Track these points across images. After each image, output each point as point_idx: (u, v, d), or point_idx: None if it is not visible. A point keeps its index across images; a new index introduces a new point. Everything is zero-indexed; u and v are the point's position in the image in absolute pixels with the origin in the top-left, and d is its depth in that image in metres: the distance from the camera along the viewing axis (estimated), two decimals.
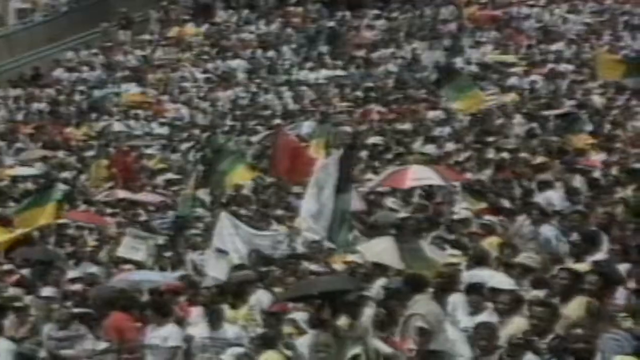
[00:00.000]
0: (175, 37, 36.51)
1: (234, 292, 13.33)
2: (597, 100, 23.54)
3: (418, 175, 18.59)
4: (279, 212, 19.11)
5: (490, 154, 20.49)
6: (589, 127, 20.76)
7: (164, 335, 12.28)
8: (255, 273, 14.18)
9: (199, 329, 12.42)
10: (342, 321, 11.18)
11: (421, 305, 11.30)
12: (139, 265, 16.33)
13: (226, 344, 12.01)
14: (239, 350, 11.57)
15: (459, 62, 30.47)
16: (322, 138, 22.42)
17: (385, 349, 10.92)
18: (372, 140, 23.96)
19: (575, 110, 22.41)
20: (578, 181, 16.92)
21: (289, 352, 11.38)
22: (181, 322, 12.75)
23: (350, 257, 14.16)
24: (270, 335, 11.54)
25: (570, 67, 27.74)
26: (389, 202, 17.60)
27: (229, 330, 12.31)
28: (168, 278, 14.82)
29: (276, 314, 12.05)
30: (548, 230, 14.33)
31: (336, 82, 31.46)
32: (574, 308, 10.07)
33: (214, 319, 12.32)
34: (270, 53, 34.68)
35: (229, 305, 13.04)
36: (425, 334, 10.76)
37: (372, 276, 12.97)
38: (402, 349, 11.05)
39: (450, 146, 22.50)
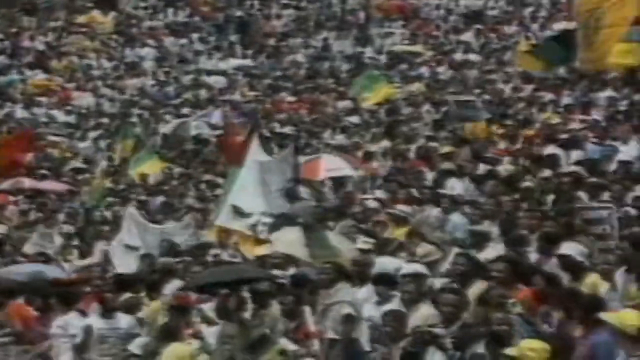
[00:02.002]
0: (83, 24, 36.03)
1: (149, 282, 13.23)
2: (504, 89, 23.77)
3: (330, 166, 18.83)
4: (189, 201, 19.01)
5: (400, 144, 20.58)
6: (487, 116, 20.94)
7: (65, 324, 12.20)
8: (169, 263, 14.12)
9: (93, 319, 12.32)
10: (250, 311, 11.14)
11: (345, 293, 11.35)
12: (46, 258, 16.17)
13: (123, 334, 11.94)
14: (145, 340, 11.47)
15: (367, 52, 30.62)
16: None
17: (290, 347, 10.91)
18: (282, 129, 23.96)
19: (474, 99, 22.60)
20: (482, 170, 17.05)
21: (196, 343, 11.30)
22: (84, 312, 12.61)
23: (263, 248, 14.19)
24: (174, 327, 11.43)
25: (478, 57, 27.99)
26: (302, 192, 17.58)
27: (122, 320, 12.23)
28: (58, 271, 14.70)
29: (181, 306, 11.97)
30: (457, 219, 14.42)
31: (246, 71, 31.38)
32: (473, 294, 10.13)
33: (106, 309, 12.24)
34: (180, 41, 34.46)
35: (146, 295, 12.93)
36: (352, 321, 10.80)
37: (284, 265, 12.95)
38: (311, 337, 11.07)
39: (359, 136, 22.58)
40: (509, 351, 8.69)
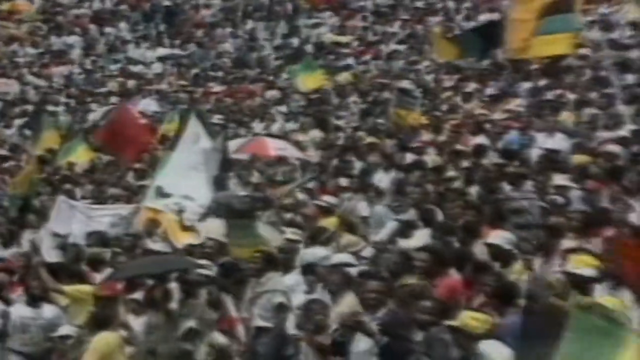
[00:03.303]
0: (7, 11, 35.58)
1: (76, 272, 13.17)
2: (429, 80, 23.97)
3: (278, 145, 18.90)
4: (115, 190, 18.92)
5: (328, 133, 20.71)
6: (420, 106, 21.12)
7: None
8: (97, 252, 14.07)
9: (18, 307, 12.27)
10: (176, 301, 11.17)
11: (276, 282, 11.42)
12: None
13: (46, 323, 11.90)
14: (71, 329, 11.45)
15: (295, 42, 30.68)
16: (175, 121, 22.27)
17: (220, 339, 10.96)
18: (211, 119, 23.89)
19: (412, 88, 22.77)
20: (409, 159, 17.22)
21: (124, 332, 11.31)
22: (8, 300, 12.54)
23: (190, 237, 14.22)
24: (102, 316, 11.42)
25: (403, 47, 28.15)
26: (231, 182, 17.63)
27: (47, 310, 12.19)
28: None
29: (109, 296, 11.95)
30: (381, 210, 14.56)
31: (174, 60, 31.25)
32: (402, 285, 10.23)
33: (32, 298, 12.19)
34: (107, 30, 34.20)
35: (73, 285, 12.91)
36: (284, 310, 10.87)
37: (214, 255, 13.00)
38: (235, 326, 11.13)
39: (288, 126, 22.66)
40: (452, 322, 8.86)
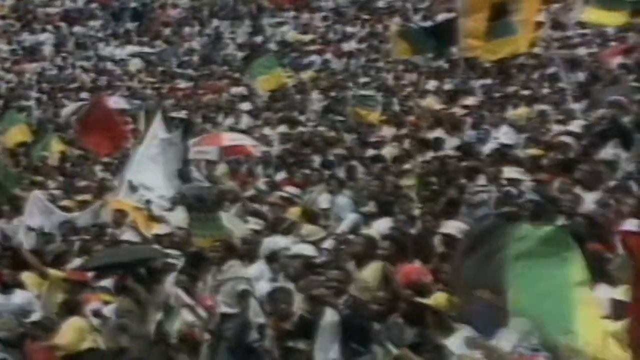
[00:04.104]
0: None
1: (47, 260, 13.12)
2: (387, 77, 24.03)
3: (233, 137, 18.94)
4: (85, 183, 18.82)
5: (291, 128, 20.72)
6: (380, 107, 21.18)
7: None
8: (67, 243, 14.01)
9: None
10: (146, 288, 11.16)
11: (238, 270, 11.44)
12: None
13: (17, 309, 11.84)
14: (41, 314, 11.41)
15: (259, 41, 30.65)
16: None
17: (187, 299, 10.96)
18: (178, 114, 23.84)
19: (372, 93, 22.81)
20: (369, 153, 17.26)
21: (95, 319, 11.28)
22: None
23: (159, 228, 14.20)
24: (71, 302, 11.38)
25: (363, 45, 28.19)
26: (196, 174, 17.62)
27: (19, 296, 12.12)
28: None
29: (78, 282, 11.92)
30: (342, 201, 14.57)
31: (142, 58, 31.13)
32: (370, 273, 10.26)
33: (3, 285, 12.17)
34: (77, 28, 34.03)
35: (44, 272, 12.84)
36: (247, 296, 10.88)
37: (181, 244, 12.98)
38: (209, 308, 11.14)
39: (252, 121, 22.64)
40: (423, 300, 8.90)
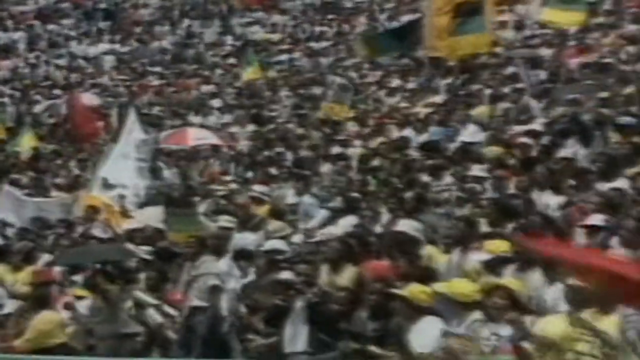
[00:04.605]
0: None
1: (21, 257, 13.03)
2: (354, 76, 24.00)
3: (198, 136, 18.88)
4: (59, 180, 18.69)
5: (260, 126, 20.68)
6: (349, 100, 21.15)
7: None
8: (37, 239, 13.90)
9: None
10: (116, 285, 11.10)
11: (210, 265, 11.42)
12: None
13: None
14: (15, 306, 11.31)
15: (229, 40, 30.58)
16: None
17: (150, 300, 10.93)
18: (150, 111, 23.76)
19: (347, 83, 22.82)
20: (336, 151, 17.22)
21: (68, 314, 11.20)
22: None
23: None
24: (39, 298, 11.28)
25: (330, 45, 28.15)
26: (167, 172, 17.58)
27: None
28: None
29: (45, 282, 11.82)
30: (309, 200, 14.54)
31: (114, 56, 31.00)
32: (346, 276, 10.24)
33: None
34: (50, 26, 33.83)
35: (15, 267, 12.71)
36: (218, 291, 10.86)
37: (152, 240, 12.91)
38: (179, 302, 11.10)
39: (223, 118, 22.58)
40: (401, 292, 8.89)
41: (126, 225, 14.37)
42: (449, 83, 20.67)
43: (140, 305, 10.92)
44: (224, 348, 10.24)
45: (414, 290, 8.87)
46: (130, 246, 12.57)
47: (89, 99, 25.71)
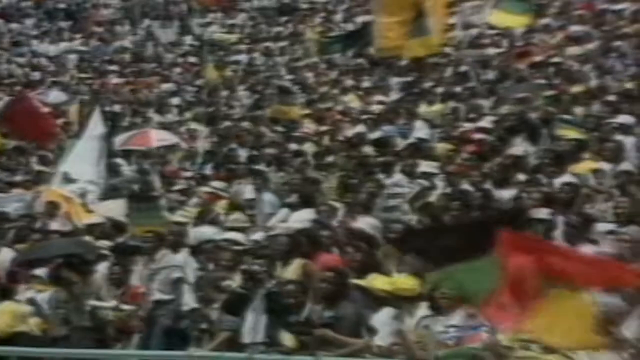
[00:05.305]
0: None
1: None
2: (309, 75, 23.94)
3: (161, 137, 18.83)
4: (19, 177, 18.43)
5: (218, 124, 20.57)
6: (301, 100, 21.10)
7: None
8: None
9: None
10: (78, 278, 10.97)
11: (172, 258, 11.34)
12: None
13: None
14: None
15: (188, 40, 30.44)
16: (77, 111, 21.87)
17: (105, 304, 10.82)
18: (110, 109, 23.52)
19: (289, 85, 22.77)
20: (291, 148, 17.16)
21: (29, 306, 11.04)
22: None
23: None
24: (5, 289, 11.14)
25: (286, 44, 28.07)
26: (125, 167, 17.40)
27: None
28: None
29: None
30: (267, 197, 14.45)
31: (76, 54, 30.75)
32: (293, 270, 10.19)
33: None
34: (12, 25, 33.53)
35: None
36: (181, 283, 10.77)
37: (114, 234, 12.76)
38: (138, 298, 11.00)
39: (182, 115, 22.45)
40: (383, 285, 8.84)
41: (87, 219, 14.19)
42: (402, 82, 20.70)
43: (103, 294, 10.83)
44: (185, 339, 10.16)
45: (374, 281, 8.84)
46: (90, 240, 12.43)
47: (49, 97, 25.45)
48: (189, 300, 10.79)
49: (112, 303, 10.83)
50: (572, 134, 14.04)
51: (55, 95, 25.83)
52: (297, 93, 21.35)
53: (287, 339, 8.82)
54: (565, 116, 15.07)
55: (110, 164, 16.43)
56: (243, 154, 17.45)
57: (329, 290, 9.08)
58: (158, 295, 11.05)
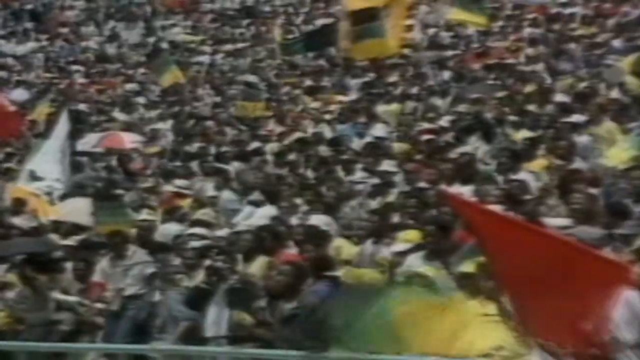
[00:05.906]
0: None
1: None
2: (271, 76, 23.90)
3: (132, 139, 18.79)
4: None
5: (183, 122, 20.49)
6: (263, 99, 21.06)
7: None
8: None
9: None
10: (44, 276, 10.86)
11: (142, 255, 11.27)
12: None
13: None
14: None
15: (152, 41, 30.31)
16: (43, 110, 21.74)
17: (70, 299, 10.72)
18: (75, 108, 23.35)
19: (256, 81, 22.72)
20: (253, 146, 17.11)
21: None
22: None
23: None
24: None
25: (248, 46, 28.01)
26: (90, 165, 17.27)
27: None
28: None
29: None
30: (227, 195, 14.39)
31: (41, 55, 30.52)
32: (257, 266, 10.15)
33: None
34: None
35: None
36: (155, 278, 10.73)
37: (78, 231, 12.65)
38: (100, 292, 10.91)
39: (146, 115, 22.33)
40: (350, 277, 8.84)
41: (52, 216, 14.05)
42: (360, 82, 20.73)
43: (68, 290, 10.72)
44: (151, 334, 10.11)
45: (345, 272, 8.85)
46: (54, 237, 12.30)
47: (13, 95, 25.23)
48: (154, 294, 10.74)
49: (75, 298, 10.72)
50: (523, 134, 14.11)
51: (19, 94, 25.63)
52: (262, 90, 21.31)
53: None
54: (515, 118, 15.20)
55: (74, 162, 16.31)
56: (208, 152, 17.39)
57: (285, 282, 9.05)
58: (131, 291, 10.99)
